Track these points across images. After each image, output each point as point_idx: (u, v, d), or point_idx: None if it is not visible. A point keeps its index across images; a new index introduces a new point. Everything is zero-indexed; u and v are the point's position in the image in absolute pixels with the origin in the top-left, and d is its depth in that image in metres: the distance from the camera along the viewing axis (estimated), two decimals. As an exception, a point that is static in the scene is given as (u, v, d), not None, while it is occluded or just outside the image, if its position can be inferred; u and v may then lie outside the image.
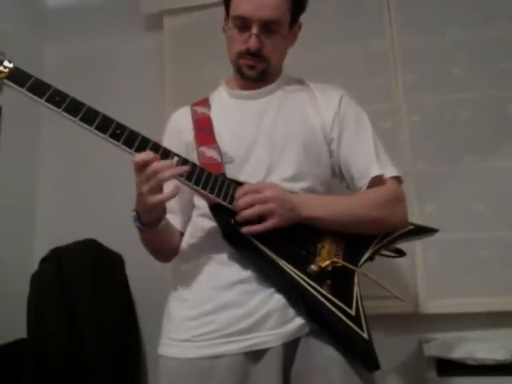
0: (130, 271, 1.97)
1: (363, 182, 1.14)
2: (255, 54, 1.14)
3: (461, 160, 1.83)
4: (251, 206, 1.01)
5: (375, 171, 1.13)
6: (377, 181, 1.13)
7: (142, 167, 0.96)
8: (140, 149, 0.98)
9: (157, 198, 0.98)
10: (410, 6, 1.97)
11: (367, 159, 1.15)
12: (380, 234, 1.14)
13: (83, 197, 2.16)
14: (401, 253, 1.25)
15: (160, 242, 1.17)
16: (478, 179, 1.80)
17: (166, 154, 1.00)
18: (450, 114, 1.86)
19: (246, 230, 1.01)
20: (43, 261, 1.76)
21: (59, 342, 1.64)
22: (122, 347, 1.85)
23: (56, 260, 1.75)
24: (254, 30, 1.12)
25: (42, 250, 1.83)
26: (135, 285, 1.99)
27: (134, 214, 1.06)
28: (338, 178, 1.22)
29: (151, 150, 0.98)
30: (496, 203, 1.77)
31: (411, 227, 1.21)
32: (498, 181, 1.78)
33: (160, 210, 1.06)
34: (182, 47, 2.16)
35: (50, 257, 1.76)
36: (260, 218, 1.02)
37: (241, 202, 1.01)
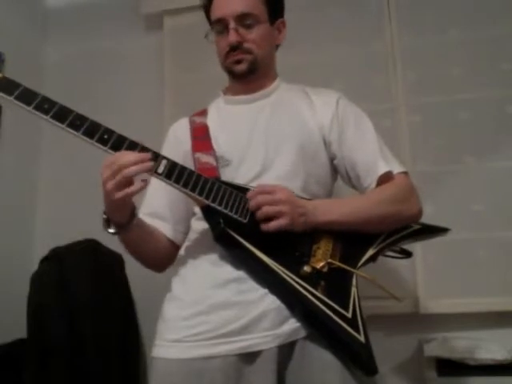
0: (130, 271, 1.96)
1: (370, 180, 1.13)
2: (237, 48, 1.17)
3: (461, 160, 1.83)
4: (261, 207, 1.00)
5: (383, 168, 1.12)
6: (385, 178, 1.12)
7: (110, 164, 0.94)
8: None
9: (123, 192, 0.94)
10: (411, 5, 1.97)
11: (372, 157, 1.14)
12: (384, 234, 1.12)
13: (83, 197, 2.16)
14: (407, 253, 1.20)
15: (140, 246, 1.14)
16: (478, 179, 1.80)
17: (155, 156, 0.98)
18: (450, 114, 1.86)
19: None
20: (43, 261, 1.76)
21: (59, 342, 1.64)
22: (122, 347, 1.85)
23: (56, 260, 1.75)
24: (231, 25, 1.16)
25: (42, 249, 1.83)
26: (135, 285, 1.99)
27: (105, 216, 1.03)
28: (346, 180, 1.21)
29: (140, 152, 0.96)
30: (496, 203, 1.77)
31: (418, 227, 1.16)
32: (497, 181, 1.78)
33: (128, 207, 1.03)
34: (182, 47, 2.16)
35: (50, 257, 1.76)
36: (269, 220, 1.00)
37: (252, 203, 1.00)
